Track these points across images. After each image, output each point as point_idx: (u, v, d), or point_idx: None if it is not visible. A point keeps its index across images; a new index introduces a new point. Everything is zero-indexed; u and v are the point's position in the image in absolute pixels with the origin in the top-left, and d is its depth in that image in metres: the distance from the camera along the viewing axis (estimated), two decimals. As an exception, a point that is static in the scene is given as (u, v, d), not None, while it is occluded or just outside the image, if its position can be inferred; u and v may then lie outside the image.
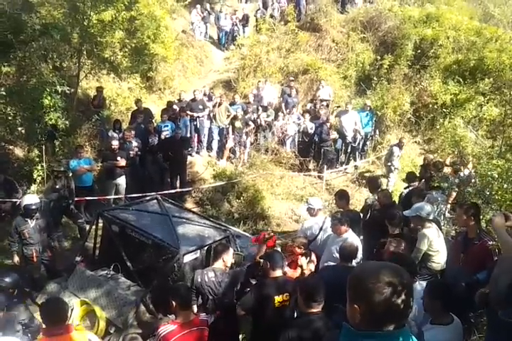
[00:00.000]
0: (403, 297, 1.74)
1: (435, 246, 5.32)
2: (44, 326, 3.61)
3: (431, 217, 5.44)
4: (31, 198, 6.75)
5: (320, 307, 3.68)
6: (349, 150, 12.28)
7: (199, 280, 4.91)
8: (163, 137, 10.61)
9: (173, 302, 4.00)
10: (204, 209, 10.08)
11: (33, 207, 6.58)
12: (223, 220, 8.91)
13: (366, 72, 14.40)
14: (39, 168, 8.05)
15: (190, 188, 10.68)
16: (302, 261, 5.58)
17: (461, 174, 8.08)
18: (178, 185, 10.46)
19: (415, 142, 13.02)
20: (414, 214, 5.43)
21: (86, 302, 5.67)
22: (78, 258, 6.42)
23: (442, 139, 12.37)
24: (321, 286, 3.75)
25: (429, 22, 14.74)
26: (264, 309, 4.38)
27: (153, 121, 11.21)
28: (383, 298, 1.72)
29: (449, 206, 7.49)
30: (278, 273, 4.56)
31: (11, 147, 9.48)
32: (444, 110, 12.94)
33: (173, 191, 9.77)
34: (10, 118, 8.13)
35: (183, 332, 3.92)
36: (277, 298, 4.39)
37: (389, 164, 10.89)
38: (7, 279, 4.50)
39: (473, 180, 7.07)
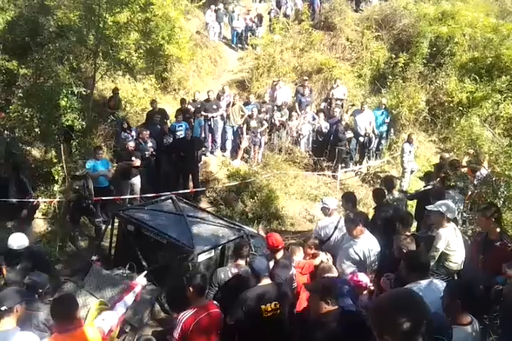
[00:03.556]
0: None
1: (452, 245, 5.27)
2: (54, 323, 3.63)
3: (450, 215, 5.36)
4: (17, 239, 5.62)
5: (336, 303, 3.66)
6: (364, 150, 12.20)
7: (222, 276, 4.96)
8: (177, 137, 10.67)
9: (190, 289, 4.25)
10: (218, 208, 10.11)
11: (17, 250, 5.52)
12: (237, 220, 8.92)
13: (381, 71, 14.30)
14: (58, 168, 8.16)
15: (204, 188, 10.72)
16: (314, 262, 5.57)
17: (478, 173, 7.98)
18: (190, 185, 10.52)
19: (431, 141, 12.89)
20: (436, 209, 5.36)
21: (104, 303, 5.72)
22: (94, 257, 6.49)
23: (458, 138, 12.23)
24: (335, 285, 3.75)
25: (445, 19, 14.60)
26: (253, 320, 4.28)
27: (168, 121, 11.28)
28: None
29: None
30: (264, 281, 4.46)
31: (28, 148, 9.62)
32: (460, 108, 12.80)
33: (187, 191, 9.82)
34: (27, 119, 8.25)
35: (202, 315, 4.17)
36: (264, 307, 4.30)
37: (403, 164, 10.81)
38: (36, 278, 4.57)
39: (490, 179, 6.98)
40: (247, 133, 11.66)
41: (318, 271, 5.03)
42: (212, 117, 11.88)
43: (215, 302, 4.55)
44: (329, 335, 3.54)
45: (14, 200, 7.94)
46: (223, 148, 12.23)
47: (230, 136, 12.06)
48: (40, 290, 4.59)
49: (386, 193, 7.19)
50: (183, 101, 11.98)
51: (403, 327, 1.79)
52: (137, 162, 9.20)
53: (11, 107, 8.43)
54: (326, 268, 5.05)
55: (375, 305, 2.01)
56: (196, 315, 4.15)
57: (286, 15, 16.72)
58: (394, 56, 13.95)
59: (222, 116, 11.97)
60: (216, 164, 11.77)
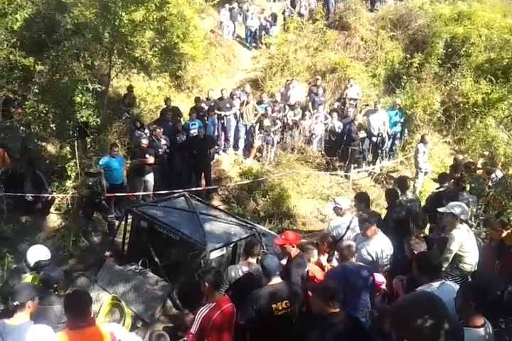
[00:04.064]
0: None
1: (466, 247, 5.24)
2: (67, 319, 3.68)
3: (463, 217, 5.33)
4: (38, 252, 5.21)
5: (339, 307, 3.68)
6: (377, 150, 12.14)
7: (233, 274, 4.98)
8: (190, 135, 10.71)
9: (206, 284, 4.28)
10: (230, 207, 10.14)
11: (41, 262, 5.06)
12: (249, 218, 8.94)
13: (395, 71, 14.20)
14: (72, 164, 8.23)
15: (217, 186, 10.76)
16: (322, 259, 5.56)
17: (493, 175, 7.90)
18: (203, 183, 10.55)
19: (445, 142, 12.79)
20: (448, 211, 5.32)
21: (116, 298, 5.78)
22: (107, 253, 6.55)
23: (473, 139, 12.12)
24: (339, 286, 3.78)
25: (461, 20, 14.46)
26: (264, 319, 4.29)
27: (182, 119, 11.33)
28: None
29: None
30: (275, 280, 4.46)
31: (43, 144, 9.73)
32: (476, 109, 12.70)
33: (200, 188, 9.86)
34: (43, 115, 8.31)
35: (219, 310, 4.20)
36: (275, 306, 4.30)
37: (418, 164, 10.73)
38: (53, 274, 4.62)
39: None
40: (259, 132, 11.67)
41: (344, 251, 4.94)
42: (226, 116, 11.91)
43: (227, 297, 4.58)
44: (335, 337, 3.54)
45: (29, 195, 8.05)
46: (236, 147, 12.25)
47: (242, 134, 12.08)
48: (56, 285, 4.64)
49: (399, 194, 7.15)
50: (197, 99, 12.02)
51: (422, 331, 1.79)
52: (151, 159, 9.26)
53: (27, 103, 8.49)
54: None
55: (394, 307, 2.00)
56: (214, 311, 4.18)
57: (300, 15, 16.66)
58: (409, 56, 13.84)
59: (235, 114, 11.99)
60: (229, 162, 11.81)
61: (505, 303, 4.28)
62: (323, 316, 3.69)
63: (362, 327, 3.83)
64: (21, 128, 9.11)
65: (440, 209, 5.50)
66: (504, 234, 4.94)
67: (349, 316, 3.75)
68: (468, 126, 12.53)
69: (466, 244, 5.24)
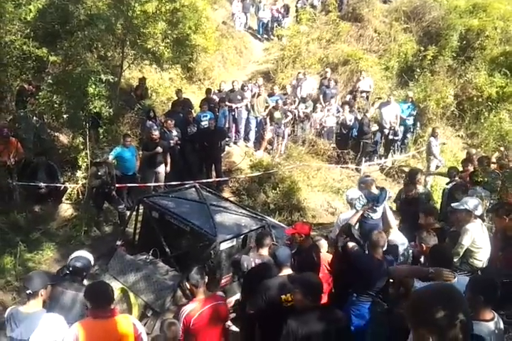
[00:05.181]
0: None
1: (478, 242, 5.16)
2: (90, 308, 3.71)
3: (477, 212, 5.25)
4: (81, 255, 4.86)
5: (316, 303, 3.69)
6: (389, 143, 12.06)
7: (245, 265, 5.01)
8: (201, 127, 10.73)
9: (187, 284, 4.37)
10: (240, 198, 10.16)
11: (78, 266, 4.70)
12: (259, 210, 8.94)
13: (409, 63, 14.09)
14: (83, 154, 8.30)
15: (227, 178, 10.78)
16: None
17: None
18: (213, 174, 10.58)
19: (458, 136, 12.68)
20: (462, 207, 5.25)
21: (125, 290, 5.84)
22: (119, 243, 6.60)
23: (487, 133, 12.00)
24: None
25: (476, 12, 14.29)
26: (272, 309, 4.28)
27: (193, 111, 11.33)
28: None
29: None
30: (286, 271, 4.46)
31: (56, 134, 9.81)
32: (490, 103, 12.56)
33: (210, 180, 9.89)
34: (56, 105, 8.36)
35: (204, 307, 4.18)
36: (285, 297, 4.28)
37: (430, 157, 10.65)
38: (79, 263, 4.60)
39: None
40: (270, 125, 11.64)
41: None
42: (237, 108, 11.89)
43: (220, 293, 4.70)
44: (309, 331, 3.54)
45: (42, 185, 8.14)
46: (247, 139, 12.24)
47: (253, 126, 12.05)
48: (84, 273, 4.69)
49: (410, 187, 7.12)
50: (208, 91, 12.02)
51: (439, 321, 1.79)
52: (159, 150, 9.30)
53: (40, 93, 8.55)
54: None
55: (413, 298, 2.01)
56: (199, 308, 4.16)
57: (313, 6, 16.56)
58: (422, 49, 13.74)
59: (246, 106, 11.97)
60: (239, 154, 11.80)
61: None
62: (302, 309, 3.70)
63: (342, 322, 3.75)
64: (34, 118, 9.20)
65: (453, 205, 5.45)
66: (506, 221, 4.87)
67: (331, 311, 3.73)
68: (482, 120, 12.41)
69: (478, 239, 5.18)
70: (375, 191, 5.68)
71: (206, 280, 4.42)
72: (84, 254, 4.90)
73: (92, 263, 4.99)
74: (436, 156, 10.70)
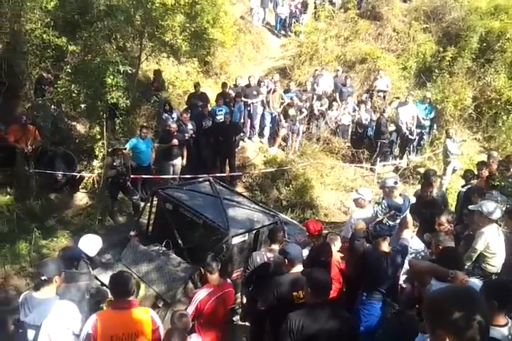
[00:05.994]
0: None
1: (493, 247, 5.08)
2: (112, 298, 3.78)
3: (494, 216, 5.14)
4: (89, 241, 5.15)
5: (321, 300, 3.66)
6: (405, 144, 11.96)
7: (258, 260, 5.02)
8: (216, 121, 10.74)
9: (202, 270, 4.69)
10: (253, 194, 10.18)
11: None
12: (271, 206, 8.95)
13: (427, 64, 13.94)
14: (100, 144, 8.36)
15: (241, 173, 10.79)
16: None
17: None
18: (227, 169, 10.60)
19: (475, 139, 12.53)
20: (477, 209, 5.19)
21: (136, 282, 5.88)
22: (132, 233, 6.64)
23: (504, 137, 11.85)
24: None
25: (497, 14, 14.05)
26: (284, 306, 4.24)
27: (209, 105, 11.35)
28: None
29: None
30: (298, 268, 4.46)
31: (73, 123, 9.88)
32: (508, 107, 12.41)
33: (224, 174, 9.91)
34: (74, 95, 8.42)
35: (217, 294, 4.49)
36: (296, 294, 4.29)
37: (447, 159, 10.53)
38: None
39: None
40: (285, 121, 11.61)
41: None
42: (252, 103, 11.88)
43: (229, 281, 4.92)
44: (310, 325, 3.54)
45: (60, 174, 8.23)
46: (261, 135, 12.23)
47: (268, 122, 12.04)
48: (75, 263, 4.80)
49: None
50: (224, 85, 12.01)
51: (457, 323, 1.78)
52: (175, 142, 9.33)
53: (59, 82, 8.61)
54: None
55: (430, 298, 2.00)
56: (211, 295, 4.46)
57: (332, 3, 16.43)
58: (441, 49, 13.58)
59: (262, 102, 11.95)
60: (253, 150, 11.81)
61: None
62: (307, 304, 3.72)
63: (347, 321, 3.73)
64: (52, 107, 9.27)
65: (470, 207, 5.40)
66: None
67: (336, 310, 3.71)
68: (500, 124, 12.25)
69: (493, 244, 5.09)
70: (398, 199, 5.54)
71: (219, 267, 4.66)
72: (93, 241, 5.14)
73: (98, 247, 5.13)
74: (456, 154, 10.49)
